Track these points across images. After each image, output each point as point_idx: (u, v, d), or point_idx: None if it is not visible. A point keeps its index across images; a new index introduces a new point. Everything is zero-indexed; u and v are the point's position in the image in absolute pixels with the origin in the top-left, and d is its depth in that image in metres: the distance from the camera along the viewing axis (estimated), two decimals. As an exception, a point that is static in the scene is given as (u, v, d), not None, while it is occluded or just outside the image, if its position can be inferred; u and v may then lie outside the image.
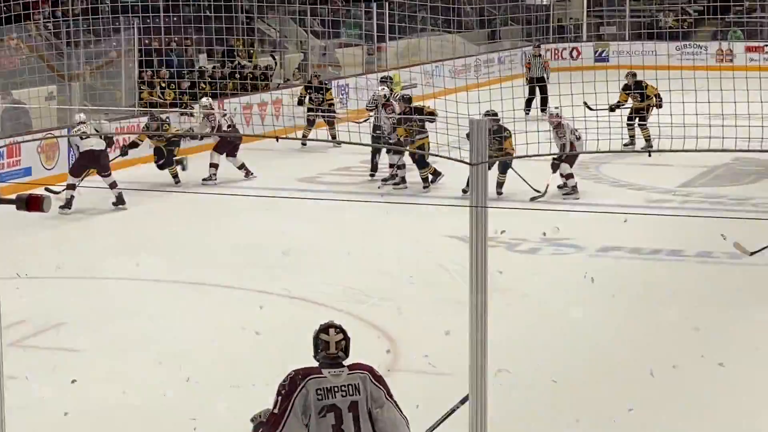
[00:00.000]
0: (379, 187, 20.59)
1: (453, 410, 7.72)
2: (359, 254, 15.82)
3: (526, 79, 28.91)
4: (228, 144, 21.07)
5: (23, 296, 12.85)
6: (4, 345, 6.20)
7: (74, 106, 21.72)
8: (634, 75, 21.49)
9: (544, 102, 27.50)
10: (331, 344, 6.87)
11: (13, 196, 6.15)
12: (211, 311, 13.50)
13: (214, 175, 20.41)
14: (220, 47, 27.33)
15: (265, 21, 31.03)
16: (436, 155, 7.49)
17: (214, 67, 27.46)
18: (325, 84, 24.22)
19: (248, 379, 10.42)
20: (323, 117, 23.22)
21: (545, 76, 28.91)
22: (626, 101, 22.96)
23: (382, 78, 25.14)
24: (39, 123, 20.98)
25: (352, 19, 33.27)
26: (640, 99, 22.45)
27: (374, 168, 21.75)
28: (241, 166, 20.49)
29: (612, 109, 19.93)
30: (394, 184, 20.22)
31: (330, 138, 23.67)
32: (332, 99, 25.90)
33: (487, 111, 11.55)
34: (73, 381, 10.69)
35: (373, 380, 6.86)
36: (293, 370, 6.79)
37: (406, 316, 12.89)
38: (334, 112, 24.94)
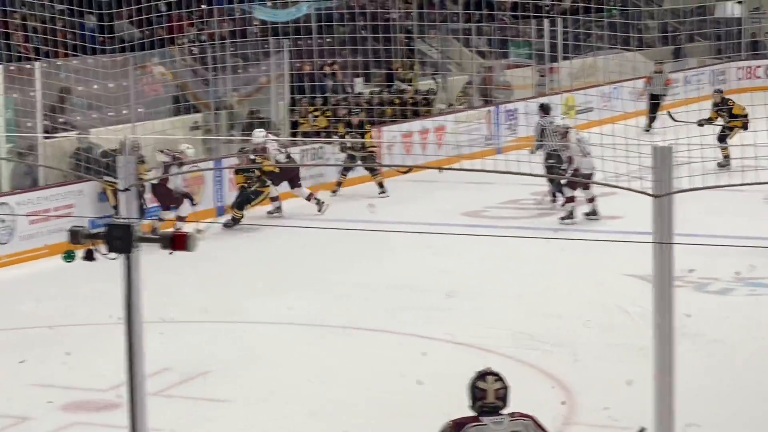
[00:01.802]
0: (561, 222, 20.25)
1: None
2: (530, 295, 15.53)
3: (647, 95, 29.99)
4: (284, 176, 21.12)
5: (168, 342, 12.98)
6: (148, 394, 6.36)
7: (221, 136, 22.19)
8: (720, 92, 22.50)
9: (651, 121, 28.85)
10: (489, 393, 6.80)
11: (156, 234, 6.56)
12: (366, 358, 13.32)
13: (278, 208, 20.68)
14: (378, 70, 27.92)
15: (426, 41, 30.78)
16: (615, 186, 7.05)
17: (371, 92, 27.41)
18: (365, 125, 23.10)
19: (410, 434, 10.39)
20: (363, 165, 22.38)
21: (663, 94, 29.84)
22: (716, 119, 23.70)
23: (541, 105, 24.51)
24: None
25: (521, 38, 32.95)
26: (729, 117, 23.29)
27: (554, 198, 21.55)
28: (309, 197, 20.61)
29: (701, 124, 20.97)
30: (562, 218, 19.96)
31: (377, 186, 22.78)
32: (372, 146, 25.03)
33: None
34: None
35: (536, 428, 6.88)
36: (450, 420, 6.75)
37: (583, 363, 12.65)
38: (373, 158, 24.41)
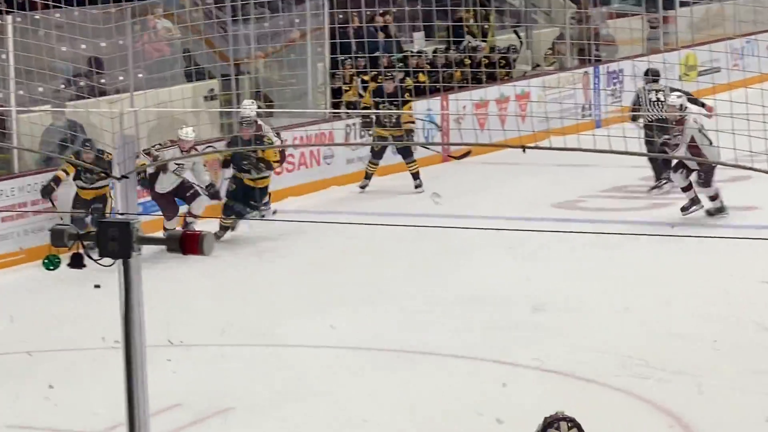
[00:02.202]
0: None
1: None
2: (641, 309, 15.21)
3: None
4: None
5: (177, 371, 13.06)
6: None
7: (242, 108, 21.72)
8: None
9: None
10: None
11: (163, 235, 6.69)
12: (432, 390, 13.06)
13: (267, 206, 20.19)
14: (443, 23, 27.23)
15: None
16: (749, 168, 6.64)
17: (435, 51, 27.33)
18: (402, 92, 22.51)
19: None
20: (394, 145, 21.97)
21: None
22: None
23: (648, 71, 23.69)
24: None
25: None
26: None
27: (658, 177, 21.22)
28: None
29: None
30: (683, 208, 19.56)
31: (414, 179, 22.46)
32: (411, 119, 24.00)
33: None
34: None
35: None
36: None
37: (709, 395, 12.40)
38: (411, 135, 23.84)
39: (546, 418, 7.14)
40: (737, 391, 12.29)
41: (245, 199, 19.29)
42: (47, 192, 18.91)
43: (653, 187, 21.52)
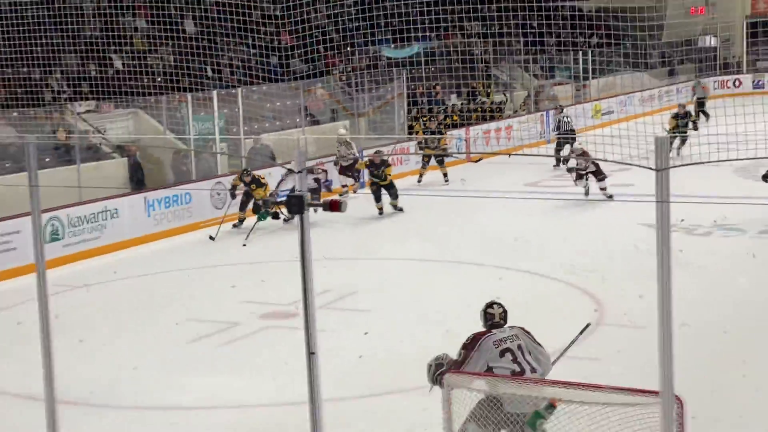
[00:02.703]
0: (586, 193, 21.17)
1: (577, 337, 8.57)
2: (573, 238, 17.19)
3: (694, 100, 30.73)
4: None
5: (329, 273, 14.11)
6: (316, 307, 6.33)
7: (361, 135, 24.60)
8: (683, 106, 22.31)
9: (704, 114, 30.00)
10: (495, 315, 7.98)
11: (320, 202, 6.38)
12: (463, 281, 14.70)
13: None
14: (466, 89, 30.86)
15: (498, 68, 32.84)
16: (629, 164, 6.76)
17: (462, 104, 30.37)
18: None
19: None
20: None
21: (705, 97, 30.13)
22: (675, 127, 24.44)
23: (557, 105, 27.64)
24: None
25: (563, 64, 34.95)
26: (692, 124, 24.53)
27: (558, 162, 24.66)
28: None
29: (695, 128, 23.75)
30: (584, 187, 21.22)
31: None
32: (446, 141, 26.06)
33: None
34: (365, 333, 12.23)
35: (525, 332, 7.93)
36: (473, 333, 7.85)
37: (610, 283, 14.12)
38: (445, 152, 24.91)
39: (485, 304, 8.14)
40: (624, 281, 13.71)
41: (378, 193, 20.43)
42: (232, 190, 19.67)
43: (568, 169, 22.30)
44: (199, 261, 17.39)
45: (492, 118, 29.68)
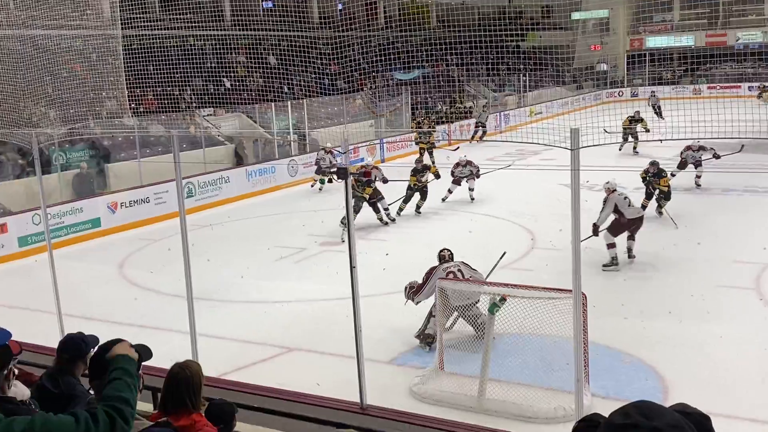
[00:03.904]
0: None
1: (498, 262, 8.49)
2: (517, 194, 16.47)
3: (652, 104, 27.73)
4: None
5: (362, 216, 14.11)
6: (355, 238, 5.98)
7: (381, 129, 24.15)
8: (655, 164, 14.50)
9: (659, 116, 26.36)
10: (445, 256, 8.39)
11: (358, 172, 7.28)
12: (449, 223, 14.47)
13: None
14: (448, 98, 30.21)
15: (468, 85, 32.05)
16: (554, 146, 5.62)
17: (445, 108, 29.12)
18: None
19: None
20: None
21: (659, 105, 27.14)
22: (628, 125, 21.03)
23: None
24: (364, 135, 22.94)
25: (510, 82, 33.66)
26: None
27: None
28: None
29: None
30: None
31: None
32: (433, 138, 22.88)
33: (652, 162, 13.51)
34: (386, 254, 11.99)
35: (465, 263, 8.23)
36: (431, 266, 8.18)
37: (540, 222, 13.73)
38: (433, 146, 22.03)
39: (440, 249, 8.39)
40: (550, 222, 12.91)
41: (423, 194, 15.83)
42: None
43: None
44: (280, 209, 17.13)
45: (464, 117, 28.94)
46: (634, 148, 21.54)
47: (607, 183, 11.59)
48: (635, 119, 21.28)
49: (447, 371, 7.45)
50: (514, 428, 5.74)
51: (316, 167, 18.67)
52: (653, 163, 14.21)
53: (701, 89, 34.95)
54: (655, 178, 14.02)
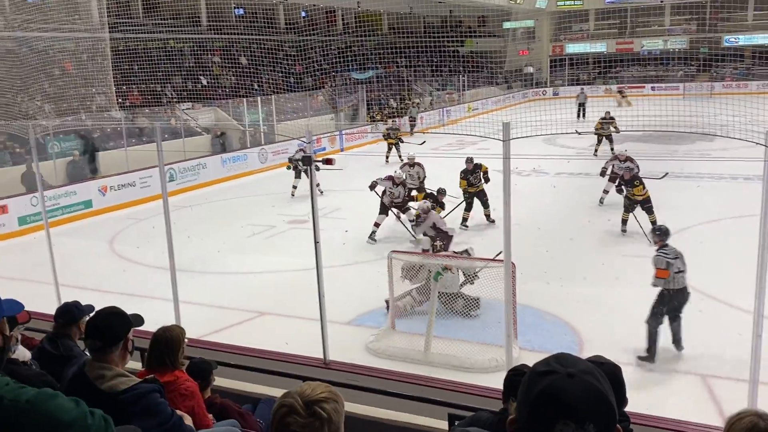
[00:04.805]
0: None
1: (497, 256, 7.32)
2: (449, 181, 13.61)
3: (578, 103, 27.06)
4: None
5: (324, 198, 14.22)
6: (319, 216, 5.76)
7: (341, 122, 23.62)
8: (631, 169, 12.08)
9: (583, 113, 25.98)
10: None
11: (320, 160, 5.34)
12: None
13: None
14: (399, 96, 29.38)
15: (415, 84, 31.60)
16: (488, 137, 5.66)
17: (397, 104, 28.61)
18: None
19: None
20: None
21: (585, 102, 26.52)
22: (600, 127, 18.85)
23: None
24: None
25: (451, 82, 33.07)
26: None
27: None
28: None
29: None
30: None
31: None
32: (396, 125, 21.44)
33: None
34: (346, 231, 11.90)
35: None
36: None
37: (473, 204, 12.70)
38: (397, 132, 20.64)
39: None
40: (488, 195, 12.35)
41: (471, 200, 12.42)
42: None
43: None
44: (252, 192, 16.78)
45: (404, 114, 27.57)
46: (612, 149, 18.33)
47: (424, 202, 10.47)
48: (606, 120, 18.56)
49: (398, 330, 7.46)
50: (455, 377, 5.77)
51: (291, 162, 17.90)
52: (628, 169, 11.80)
53: (612, 89, 35.25)
54: (628, 187, 11.53)
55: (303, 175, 14.25)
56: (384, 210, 11.77)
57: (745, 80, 34.75)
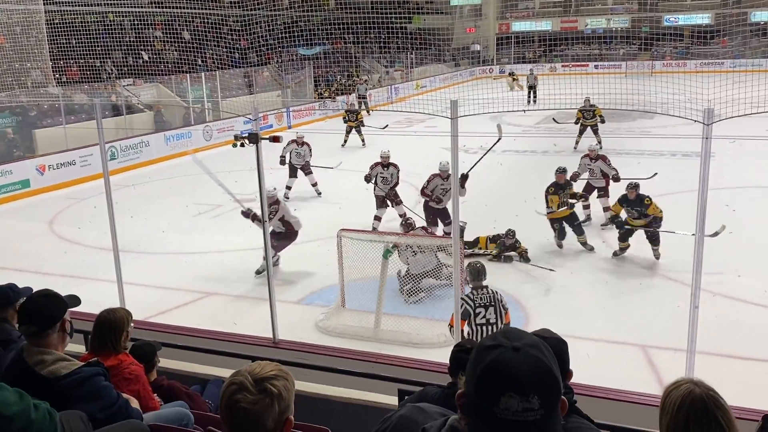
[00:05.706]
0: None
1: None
2: (398, 158, 12.82)
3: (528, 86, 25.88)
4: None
5: (272, 177, 13.71)
6: (265, 197, 5.70)
7: (288, 99, 23.49)
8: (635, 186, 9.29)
9: (534, 95, 24.77)
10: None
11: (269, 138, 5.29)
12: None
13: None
14: (347, 72, 29.39)
15: (364, 61, 31.74)
16: (437, 114, 5.62)
17: (346, 81, 27.97)
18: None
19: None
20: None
21: (535, 84, 25.49)
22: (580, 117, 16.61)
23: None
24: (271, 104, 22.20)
25: (399, 60, 33.33)
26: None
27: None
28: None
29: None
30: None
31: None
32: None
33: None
34: (294, 210, 11.93)
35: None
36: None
37: (422, 181, 11.10)
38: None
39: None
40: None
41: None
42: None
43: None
44: (197, 170, 15.98)
45: (352, 92, 26.79)
46: (599, 144, 14.49)
47: None
48: (587, 108, 16.31)
49: (348, 308, 7.48)
50: (405, 353, 5.80)
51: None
52: (633, 186, 9.13)
53: (556, 68, 35.77)
54: (635, 208, 9.07)
55: (299, 173, 13.47)
56: (382, 203, 11.05)
57: (684, 59, 35.66)
